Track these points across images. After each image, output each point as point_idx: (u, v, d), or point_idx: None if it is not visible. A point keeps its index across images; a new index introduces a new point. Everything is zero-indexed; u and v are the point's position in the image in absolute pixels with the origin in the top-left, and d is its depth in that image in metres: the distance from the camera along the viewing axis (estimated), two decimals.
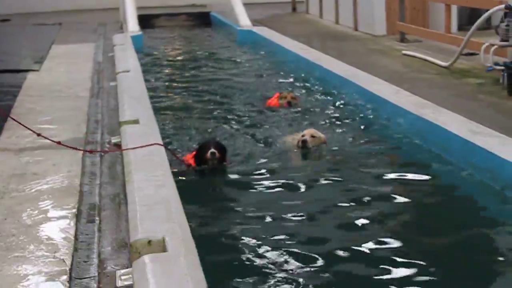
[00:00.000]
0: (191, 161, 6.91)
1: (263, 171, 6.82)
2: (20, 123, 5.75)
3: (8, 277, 4.07)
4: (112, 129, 7.52)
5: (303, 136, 7.35)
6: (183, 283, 3.72)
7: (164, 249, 4.16)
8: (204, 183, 6.82)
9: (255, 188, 6.39)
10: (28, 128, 6.67)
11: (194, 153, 7.02)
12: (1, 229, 4.78)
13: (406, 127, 7.65)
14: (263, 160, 7.13)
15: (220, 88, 10.88)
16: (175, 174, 5.95)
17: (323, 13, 18.59)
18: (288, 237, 5.22)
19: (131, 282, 4.00)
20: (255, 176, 6.69)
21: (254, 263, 4.83)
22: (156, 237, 4.26)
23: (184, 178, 6.62)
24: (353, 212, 5.70)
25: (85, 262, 4.35)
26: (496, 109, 8.18)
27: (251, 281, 4.58)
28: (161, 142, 6.54)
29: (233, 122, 8.70)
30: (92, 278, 4.13)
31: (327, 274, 4.65)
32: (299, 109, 9.15)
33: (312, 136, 7.33)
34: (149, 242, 4.22)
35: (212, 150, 6.73)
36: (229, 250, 5.12)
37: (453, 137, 6.58)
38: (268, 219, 5.63)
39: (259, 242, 5.12)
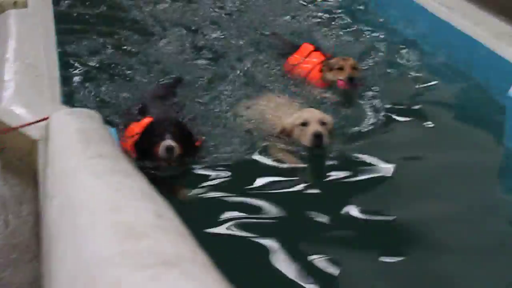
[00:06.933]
0: (131, 149, 4.10)
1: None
2: None
3: None
4: None
5: (303, 124, 4.30)
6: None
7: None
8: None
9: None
10: None
11: (134, 136, 4.15)
12: None
13: None
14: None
15: None
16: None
17: None
18: None
19: None
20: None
21: None
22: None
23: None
24: None
25: None
26: None
27: None
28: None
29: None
30: None
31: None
32: None
33: (322, 123, 4.32)
34: (15, 2, 5.01)
35: (169, 143, 3.90)
36: None
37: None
38: None
39: None
